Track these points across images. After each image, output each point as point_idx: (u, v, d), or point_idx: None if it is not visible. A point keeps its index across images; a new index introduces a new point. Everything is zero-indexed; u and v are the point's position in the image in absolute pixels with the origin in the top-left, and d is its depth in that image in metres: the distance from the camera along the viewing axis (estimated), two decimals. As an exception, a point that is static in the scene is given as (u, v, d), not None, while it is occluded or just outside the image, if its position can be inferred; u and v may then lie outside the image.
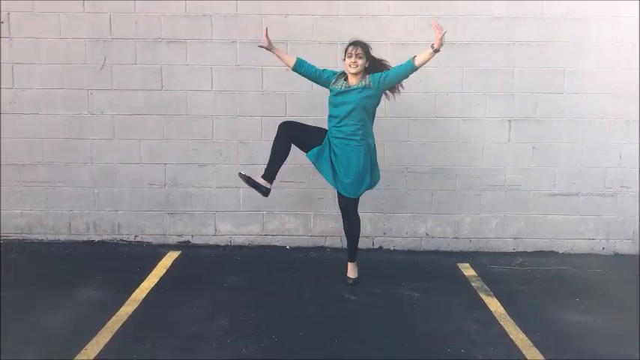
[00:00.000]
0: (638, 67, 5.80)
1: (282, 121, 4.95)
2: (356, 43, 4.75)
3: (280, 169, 5.89)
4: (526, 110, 5.88)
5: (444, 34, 4.44)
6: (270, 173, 4.93)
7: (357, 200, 4.95)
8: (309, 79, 5.00)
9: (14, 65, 5.82)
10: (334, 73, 4.91)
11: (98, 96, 5.88)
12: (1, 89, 5.85)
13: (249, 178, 4.89)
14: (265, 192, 4.93)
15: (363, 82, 4.72)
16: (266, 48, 4.96)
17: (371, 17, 5.77)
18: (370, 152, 4.86)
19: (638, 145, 5.91)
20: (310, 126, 4.97)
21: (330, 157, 4.82)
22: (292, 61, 4.94)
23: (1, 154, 5.93)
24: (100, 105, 5.89)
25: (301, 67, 4.93)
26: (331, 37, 5.75)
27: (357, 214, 5.00)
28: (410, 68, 4.63)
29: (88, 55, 5.82)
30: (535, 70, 5.83)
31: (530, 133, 5.91)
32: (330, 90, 4.84)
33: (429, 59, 4.56)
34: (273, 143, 4.92)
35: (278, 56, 5.00)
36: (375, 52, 5.67)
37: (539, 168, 5.97)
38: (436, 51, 4.49)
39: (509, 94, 5.86)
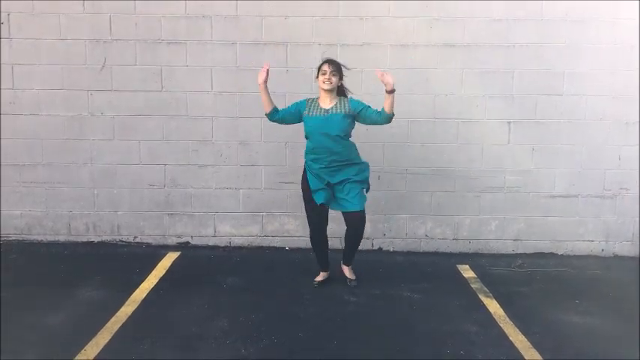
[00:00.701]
0: (637, 68, 5.81)
1: (309, 220, 4.98)
2: (330, 61, 4.75)
3: (280, 171, 5.94)
4: (526, 112, 5.88)
5: (389, 79, 4.55)
6: (324, 263, 5.13)
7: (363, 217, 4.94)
8: (285, 122, 4.94)
9: (14, 66, 5.83)
10: (302, 101, 4.86)
11: (98, 97, 5.88)
12: (2, 90, 5.85)
13: (321, 281, 5.11)
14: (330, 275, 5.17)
15: (342, 108, 4.71)
16: (262, 82, 4.79)
17: (371, 19, 5.77)
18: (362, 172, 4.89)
19: (637, 147, 5.92)
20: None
21: (330, 188, 4.82)
22: (268, 109, 4.85)
23: (1, 154, 5.93)
24: (100, 106, 5.89)
25: (275, 116, 4.86)
26: (331, 39, 5.76)
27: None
28: (387, 118, 4.67)
29: (88, 56, 5.83)
30: (534, 71, 5.83)
31: (530, 135, 5.92)
32: (306, 119, 4.76)
33: (393, 101, 4.61)
34: (312, 241, 5.06)
35: (264, 96, 4.83)
36: (375, 54, 5.71)
37: (538, 169, 5.97)
38: (391, 92, 4.58)
39: (508, 96, 5.87)
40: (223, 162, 5.98)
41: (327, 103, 4.76)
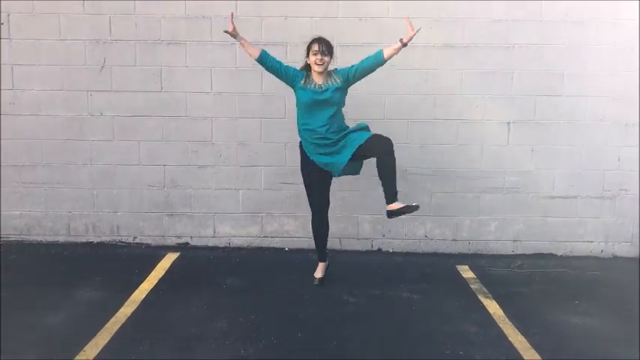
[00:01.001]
0: (637, 69, 5.81)
1: (310, 203, 5.00)
2: (320, 40, 4.73)
3: (279, 172, 5.95)
4: (525, 113, 5.89)
5: (416, 32, 4.66)
6: (323, 253, 5.14)
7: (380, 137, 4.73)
8: (273, 73, 4.84)
9: (14, 66, 5.83)
10: (299, 71, 4.82)
11: (98, 97, 5.88)
12: (1, 90, 5.85)
13: (323, 276, 5.13)
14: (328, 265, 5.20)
15: (332, 81, 4.73)
16: (230, 34, 4.76)
17: (370, 19, 5.77)
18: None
19: (637, 148, 5.92)
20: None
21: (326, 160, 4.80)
22: (257, 53, 4.77)
23: (0, 154, 5.93)
24: (100, 106, 5.89)
25: (266, 60, 4.78)
26: (331, 40, 5.72)
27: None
28: (379, 61, 4.74)
29: (87, 57, 5.83)
30: (534, 72, 5.84)
31: (530, 136, 5.92)
32: (301, 91, 4.73)
33: (397, 53, 4.70)
34: (313, 228, 5.06)
35: (242, 45, 4.80)
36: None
37: (538, 170, 5.97)
38: (404, 45, 4.67)
39: (508, 97, 5.87)
40: (223, 162, 5.98)
41: (319, 79, 4.74)
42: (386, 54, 4.71)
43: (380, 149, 4.65)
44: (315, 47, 4.69)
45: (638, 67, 5.81)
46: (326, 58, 4.69)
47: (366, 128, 4.83)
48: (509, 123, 5.91)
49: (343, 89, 4.77)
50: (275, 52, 5.71)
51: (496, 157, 5.95)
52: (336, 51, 5.65)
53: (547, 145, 5.94)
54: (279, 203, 6.01)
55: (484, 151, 5.95)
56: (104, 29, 5.79)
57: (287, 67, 4.83)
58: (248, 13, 5.76)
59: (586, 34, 5.79)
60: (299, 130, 4.87)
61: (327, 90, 4.70)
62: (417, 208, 4.67)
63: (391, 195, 4.74)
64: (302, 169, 4.98)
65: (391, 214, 4.74)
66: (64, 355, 3.79)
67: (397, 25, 5.76)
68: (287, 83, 4.86)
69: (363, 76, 4.83)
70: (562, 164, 5.96)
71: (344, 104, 4.85)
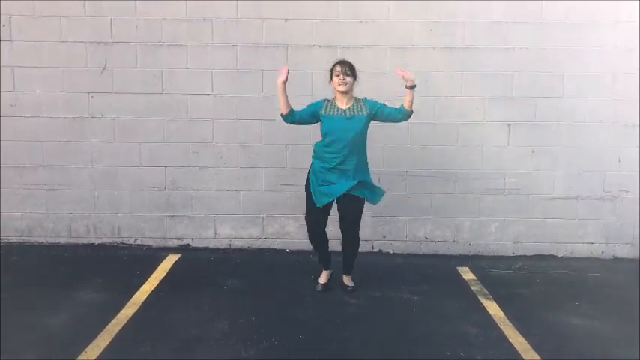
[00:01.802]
0: (637, 70, 5.81)
1: (307, 221, 4.92)
2: (343, 62, 4.68)
3: (280, 173, 5.95)
4: (525, 114, 5.89)
5: (407, 74, 4.56)
6: (326, 261, 5.12)
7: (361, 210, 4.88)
8: (300, 124, 4.85)
9: (15, 68, 5.84)
10: (318, 102, 4.78)
11: (99, 99, 5.89)
12: (3, 92, 5.87)
13: (326, 282, 5.10)
14: (333, 273, 5.19)
15: (359, 109, 4.67)
16: (281, 82, 4.67)
17: (371, 21, 5.78)
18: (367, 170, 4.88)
19: (637, 149, 5.92)
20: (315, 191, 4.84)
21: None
22: (286, 111, 4.72)
23: (1, 156, 5.94)
24: (101, 108, 5.90)
25: (291, 117, 4.74)
26: (331, 41, 5.77)
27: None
28: (407, 114, 4.67)
29: (88, 58, 5.84)
30: (534, 74, 5.84)
31: (530, 137, 5.93)
32: (325, 118, 4.68)
33: (414, 97, 4.63)
34: (311, 240, 5.03)
35: (282, 97, 4.69)
36: (375, 56, 5.72)
37: (538, 172, 5.98)
38: (413, 87, 4.59)
39: (508, 98, 5.88)
40: (223, 164, 5.99)
41: (344, 103, 4.69)
42: (407, 106, 4.64)
43: (351, 222, 4.86)
44: (338, 68, 4.65)
45: (638, 68, 5.81)
46: (348, 79, 4.62)
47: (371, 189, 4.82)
48: (509, 124, 5.92)
49: (369, 120, 4.72)
50: (275, 54, 5.77)
51: (496, 159, 5.96)
52: (336, 53, 5.69)
53: (547, 147, 5.94)
54: (279, 205, 6.02)
55: (484, 153, 5.95)
56: (105, 31, 5.81)
57: (306, 109, 4.77)
58: (248, 15, 5.77)
59: (586, 35, 5.80)
60: (314, 162, 4.82)
61: (354, 118, 4.65)
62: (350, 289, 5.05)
63: (348, 268, 5.11)
64: (306, 184, 4.90)
65: (323, 288, 5.07)
66: (65, 356, 3.80)
67: (397, 26, 5.79)
68: (315, 122, 4.79)
69: (384, 121, 4.80)
70: (562, 165, 5.97)
71: (366, 135, 4.77)
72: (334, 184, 4.71)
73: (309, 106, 4.80)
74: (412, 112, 4.68)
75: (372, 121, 4.78)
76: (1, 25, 5.78)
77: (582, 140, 5.93)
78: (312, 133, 5.82)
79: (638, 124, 5.89)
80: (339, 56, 5.54)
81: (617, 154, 5.94)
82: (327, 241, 5.02)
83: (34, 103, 5.89)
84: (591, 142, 5.93)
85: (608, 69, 5.83)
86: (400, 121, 4.77)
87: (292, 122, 4.82)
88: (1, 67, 5.83)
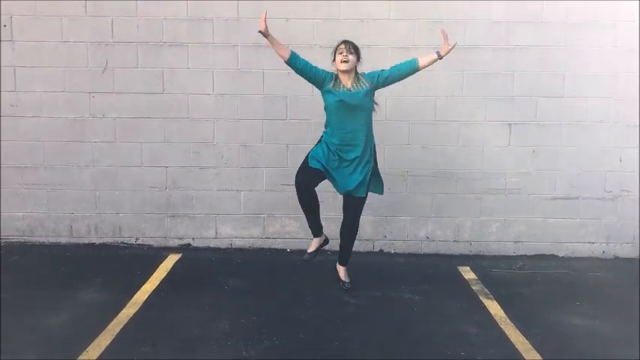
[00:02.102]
0: (637, 70, 5.81)
1: (296, 181, 4.74)
2: (347, 41, 4.68)
3: (281, 173, 5.95)
4: (526, 114, 5.89)
5: (452, 48, 4.61)
6: (316, 228, 5.00)
7: (363, 203, 4.89)
8: (302, 75, 4.75)
9: (16, 68, 5.84)
10: (329, 73, 4.74)
11: (100, 99, 5.90)
12: (4, 92, 5.87)
13: (315, 250, 5.03)
14: (327, 240, 5.13)
15: (362, 84, 4.67)
16: (263, 33, 4.65)
17: (372, 21, 5.78)
18: (374, 154, 4.88)
19: (638, 149, 5.92)
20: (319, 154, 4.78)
21: (339, 164, 4.73)
22: (287, 54, 4.66)
23: (2, 156, 5.95)
24: (102, 108, 5.91)
25: (296, 62, 4.68)
26: (332, 41, 5.70)
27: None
28: (413, 69, 4.69)
29: (89, 58, 5.84)
30: (535, 73, 5.84)
31: (531, 137, 5.93)
32: (330, 93, 4.66)
33: (431, 64, 4.68)
34: (300, 203, 4.83)
35: (272, 44, 4.67)
36: (376, 56, 5.71)
37: (539, 172, 5.98)
38: (440, 57, 4.63)
39: (509, 98, 5.88)
40: (224, 164, 5.99)
41: (348, 83, 4.66)
42: (421, 63, 4.66)
43: (353, 211, 4.85)
44: (342, 46, 4.64)
45: (638, 67, 5.81)
46: (351, 57, 4.60)
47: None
48: (510, 124, 5.92)
49: (372, 93, 4.72)
50: (277, 54, 5.75)
51: (497, 159, 5.96)
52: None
53: (548, 147, 5.94)
54: (280, 204, 6.02)
55: (485, 153, 5.95)
56: (106, 31, 5.81)
57: (317, 68, 4.72)
58: (249, 15, 5.77)
59: (587, 35, 5.80)
60: (324, 134, 4.81)
61: (357, 94, 4.63)
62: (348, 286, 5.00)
63: (344, 258, 5.08)
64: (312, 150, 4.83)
65: (309, 256, 5.06)
66: (66, 356, 3.81)
67: (398, 26, 5.79)
68: (316, 85, 4.75)
69: (394, 83, 4.78)
70: (563, 165, 5.97)
71: (372, 110, 4.78)
72: (342, 167, 4.70)
73: (318, 69, 4.70)
74: (419, 70, 4.72)
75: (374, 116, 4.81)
76: (2, 25, 5.79)
77: (583, 140, 5.93)
78: (313, 132, 5.84)
79: (639, 123, 5.89)
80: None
81: (618, 154, 5.94)
82: (318, 204, 4.86)
83: (35, 103, 5.89)
84: (592, 142, 5.93)
85: (608, 69, 5.83)
86: (408, 75, 4.75)
87: (295, 68, 4.69)
88: (3, 67, 5.84)
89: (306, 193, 4.76)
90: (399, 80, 4.78)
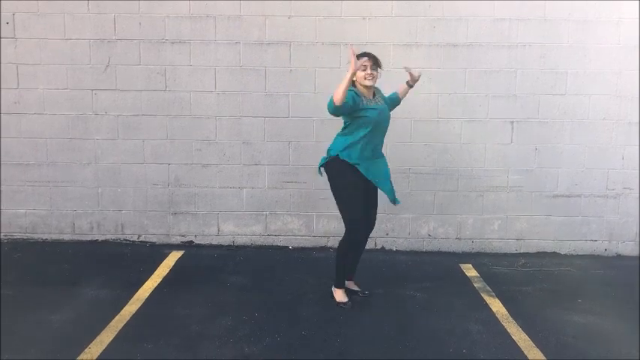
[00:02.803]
0: (639, 68, 5.82)
1: (357, 222, 4.55)
2: (368, 55, 4.50)
3: (283, 170, 5.96)
4: (528, 111, 5.89)
5: (418, 78, 4.81)
6: (345, 276, 4.78)
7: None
8: (342, 115, 4.45)
9: (19, 66, 5.85)
10: (352, 94, 4.37)
11: (102, 96, 5.90)
12: (6, 89, 5.88)
13: (345, 303, 4.69)
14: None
15: (381, 99, 4.63)
16: (354, 71, 4.23)
17: (374, 18, 5.78)
18: None
19: (638, 147, 5.91)
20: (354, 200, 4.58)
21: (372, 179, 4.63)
22: (340, 102, 4.20)
23: (5, 153, 5.96)
24: (104, 105, 5.91)
25: (343, 107, 4.30)
26: (334, 38, 5.77)
27: None
28: (397, 101, 4.92)
29: (92, 56, 5.85)
30: (537, 71, 5.84)
31: (533, 135, 5.92)
32: (366, 108, 4.42)
33: (405, 95, 4.93)
34: (352, 247, 4.65)
35: (346, 87, 4.18)
36: (378, 54, 5.70)
37: (541, 169, 5.98)
38: (410, 87, 4.87)
39: (511, 96, 5.87)
40: (227, 161, 6.00)
41: (371, 95, 4.57)
42: (401, 96, 4.92)
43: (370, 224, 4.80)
44: (364, 62, 4.43)
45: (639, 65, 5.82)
46: (375, 73, 4.49)
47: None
48: (512, 122, 5.91)
49: None
50: (278, 52, 5.77)
51: (499, 156, 5.96)
52: (340, 50, 5.71)
53: (550, 144, 5.94)
54: (282, 202, 6.02)
55: (487, 150, 5.95)
56: (108, 28, 5.82)
57: (350, 100, 4.36)
58: (252, 12, 5.78)
59: (589, 32, 5.79)
60: (349, 148, 4.50)
61: (383, 106, 4.59)
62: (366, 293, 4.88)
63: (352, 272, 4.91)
64: (346, 178, 4.54)
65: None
66: (69, 353, 3.82)
67: (400, 24, 5.79)
68: (354, 111, 4.44)
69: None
70: (565, 163, 5.96)
71: None
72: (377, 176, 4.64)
73: (349, 98, 4.36)
74: (400, 101, 4.94)
75: None
76: (5, 22, 5.79)
77: (586, 138, 5.92)
78: (315, 130, 5.85)
79: (639, 121, 5.90)
80: (343, 53, 5.60)
81: (620, 152, 5.93)
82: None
83: (38, 100, 5.90)
84: (595, 140, 5.93)
85: (611, 66, 5.82)
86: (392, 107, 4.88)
87: (340, 113, 4.39)
88: (5, 65, 5.85)
89: (364, 235, 4.71)
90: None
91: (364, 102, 4.47)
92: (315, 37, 5.80)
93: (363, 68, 4.45)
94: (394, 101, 4.88)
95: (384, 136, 4.67)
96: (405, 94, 4.91)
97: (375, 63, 4.53)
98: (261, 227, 6.10)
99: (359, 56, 4.46)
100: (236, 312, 4.48)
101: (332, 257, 5.25)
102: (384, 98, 4.70)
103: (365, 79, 4.46)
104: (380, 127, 4.59)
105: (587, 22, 5.77)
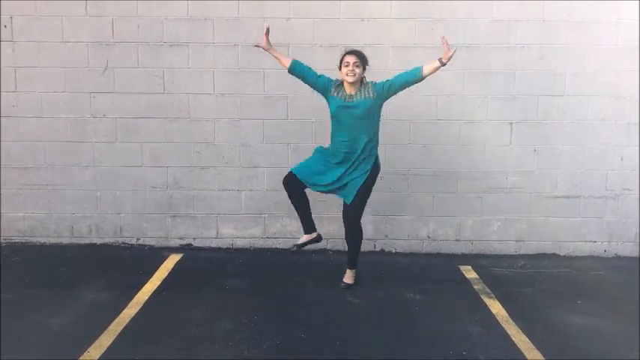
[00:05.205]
0: (638, 69, 5.80)
1: (284, 180, 4.98)
2: (352, 52, 4.73)
3: (282, 173, 5.91)
4: (527, 113, 5.89)
5: (453, 53, 4.58)
6: (308, 225, 5.04)
7: (362, 212, 4.92)
8: (304, 81, 4.90)
9: (17, 69, 5.84)
10: (331, 80, 4.83)
11: (100, 99, 5.89)
12: (4, 92, 5.87)
13: (302, 243, 5.06)
14: (318, 238, 5.09)
15: (366, 94, 4.70)
16: (263, 48, 4.86)
17: (372, 20, 5.78)
18: (375, 170, 4.91)
19: (639, 148, 5.91)
20: (308, 164, 4.96)
21: (336, 171, 4.81)
22: (288, 63, 4.85)
23: (3, 156, 5.95)
24: (102, 108, 5.90)
25: (296, 68, 4.83)
26: (333, 40, 5.76)
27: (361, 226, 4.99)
28: (418, 78, 4.70)
29: (90, 59, 5.84)
30: (536, 72, 5.84)
31: (532, 136, 5.92)
32: (332, 99, 4.76)
33: (435, 72, 4.68)
34: (290, 200, 5.02)
35: (275, 56, 4.89)
36: (376, 55, 5.70)
37: (540, 170, 5.97)
38: (443, 64, 4.63)
39: (510, 97, 5.87)
40: (225, 164, 5.99)
41: (352, 90, 4.72)
42: (425, 71, 4.66)
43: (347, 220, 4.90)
44: (347, 59, 4.69)
45: (638, 66, 5.80)
46: (357, 70, 4.66)
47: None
48: (511, 123, 5.91)
49: (377, 103, 4.74)
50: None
51: (498, 157, 5.95)
52: (339, 52, 5.67)
53: (549, 145, 5.94)
54: (281, 204, 6.00)
55: (486, 151, 5.95)
56: (106, 31, 5.81)
57: (318, 76, 4.83)
58: (250, 14, 5.77)
59: (588, 33, 5.79)
60: (331, 143, 4.89)
61: (356, 102, 4.68)
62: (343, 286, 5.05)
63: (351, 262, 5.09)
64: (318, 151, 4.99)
65: (297, 247, 5.14)
66: (68, 356, 3.81)
67: (399, 25, 5.79)
68: (319, 92, 4.88)
69: (399, 91, 4.80)
70: (564, 164, 5.96)
71: (378, 117, 4.83)
72: (329, 172, 4.80)
73: (321, 77, 4.82)
74: (424, 78, 4.74)
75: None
76: (3, 25, 5.78)
77: (584, 138, 5.92)
78: (314, 132, 5.84)
79: (639, 122, 5.88)
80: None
81: (619, 153, 5.93)
82: (307, 202, 5.01)
83: (36, 103, 5.89)
84: (593, 141, 5.93)
85: (609, 67, 5.82)
86: (413, 84, 4.78)
87: (296, 74, 4.87)
88: (3, 68, 5.84)
89: (294, 189, 4.96)
90: (403, 88, 4.79)
91: (334, 93, 4.73)
92: (314, 38, 5.79)
93: (345, 64, 4.69)
94: (407, 80, 4.70)
95: (362, 134, 4.70)
96: (432, 71, 4.65)
97: (361, 60, 4.69)
98: (260, 230, 6.09)
99: (347, 54, 4.73)
100: (235, 315, 4.47)
101: (331, 259, 5.27)
102: (380, 89, 4.71)
103: (347, 75, 4.67)
104: (343, 121, 4.70)
105: (586, 23, 5.77)
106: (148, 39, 5.82)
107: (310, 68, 4.86)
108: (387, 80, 4.76)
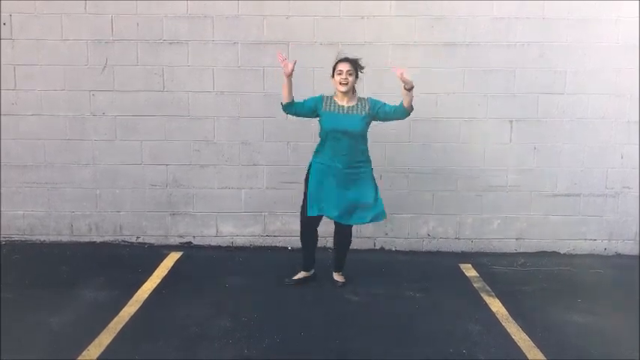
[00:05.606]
0: (638, 67, 5.80)
1: (303, 220, 4.92)
2: (346, 60, 4.67)
3: (282, 171, 5.94)
4: (527, 111, 5.88)
5: (407, 75, 4.52)
6: (309, 263, 5.10)
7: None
8: (297, 116, 4.87)
9: (16, 66, 5.83)
10: (317, 97, 4.77)
11: (100, 97, 5.88)
12: (4, 90, 5.86)
13: (299, 279, 5.07)
14: (314, 276, 5.15)
15: (361, 109, 4.67)
16: (285, 73, 4.58)
17: (372, 18, 5.77)
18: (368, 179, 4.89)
19: (639, 146, 5.91)
20: (314, 196, 4.81)
21: (337, 190, 4.74)
22: (290, 99, 4.68)
23: (3, 155, 5.94)
24: (102, 106, 5.90)
25: (292, 107, 4.71)
26: (332, 38, 5.76)
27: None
28: (407, 113, 4.68)
29: (89, 57, 5.83)
30: (536, 70, 5.83)
31: (532, 134, 5.91)
32: (324, 115, 4.68)
33: (411, 98, 4.62)
34: (301, 237, 5.03)
35: (287, 86, 4.63)
36: (376, 53, 5.70)
37: (540, 168, 5.97)
38: (411, 88, 4.56)
39: (510, 95, 5.87)
40: (225, 162, 5.98)
41: (345, 101, 4.69)
42: (405, 103, 4.63)
43: (343, 232, 4.99)
44: (340, 67, 4.63)
45: (638, 64, 5.79)
46: (350, 79, 4.62)
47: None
48: (511, 121, 5.90)
49: (368, 119, 4.72)
50: (277, 51, 5.74)
51: (498, 156, 5.95)
52: (338, 49, 5.66)
53: (549, 143, 5.93)
54: (281, 202, 6.01)
55: (486, 150, 5.94)
56: (106, 29, 5.80)
57: (305, 101, 4.76)
58: (250, 12, 5.76)
59: (588, 31, 5.78)
60: (317, 153, 4.82)
61: (352, 115, 4.65)
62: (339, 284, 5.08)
63: (339, 265, 5.15)
64: (305, 181, 4.89)
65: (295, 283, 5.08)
66: (68, 354, 3.80)
67: (399, 23, 5.78)
68: (314, 116, 4.79)
69: (382, 119, 4.79)
70: (564, 162, 5.96)
71: (366, 135, 4.78)
72: (331, 195, 4.73)
73: (308, 101, 4.79)
74: (412, 109, 4.69)
75: (373, 121, 4.82)
76: (2, 23, 5.77)
77: (584, 137, 5.92)
78: (314, 130, 5.82)
79: (639, 120, 5.88)
80: (341, 53, 5.56)
81: (619, 151, 5.93)
82: (317, 241, 5.06)
83: (36, 101, 5.88)
84: (593, 139, 5.92)
85: (609, 65, 5.82)
86: (399, 119, 4.79)
87: (290, 112, 4.83)
88: (3, 66, 5.83)
89: (310, 231, 4.99)
90: (386, 118, 4.78)
91: (325, 107, 4.67)
92: (314, 36, 5.78)
93: (338, 72, 4.63)
94: (395, 112, 4.69)
95: (354, 146, 4.67)
96: (409, 99, 4.60)
97: (355, 68, 4.65)
98: (260, 228, 6.08)
99: (340, 61, 4.67)
100: (235, 313, 4.47)
101: (331, 258, 5.25)
102: (373, 108, 4.69)
103: (340, 83, 4.62)
104: (336, 135, 4.63)
105: (586, 21, 5.77)
106: (147, 37, 5.81)
107: (300, 102, 4.75)
108: (381, 102, 4.74)
